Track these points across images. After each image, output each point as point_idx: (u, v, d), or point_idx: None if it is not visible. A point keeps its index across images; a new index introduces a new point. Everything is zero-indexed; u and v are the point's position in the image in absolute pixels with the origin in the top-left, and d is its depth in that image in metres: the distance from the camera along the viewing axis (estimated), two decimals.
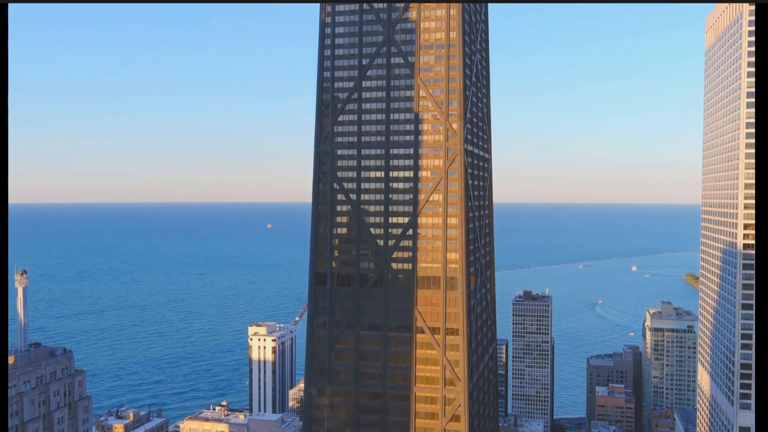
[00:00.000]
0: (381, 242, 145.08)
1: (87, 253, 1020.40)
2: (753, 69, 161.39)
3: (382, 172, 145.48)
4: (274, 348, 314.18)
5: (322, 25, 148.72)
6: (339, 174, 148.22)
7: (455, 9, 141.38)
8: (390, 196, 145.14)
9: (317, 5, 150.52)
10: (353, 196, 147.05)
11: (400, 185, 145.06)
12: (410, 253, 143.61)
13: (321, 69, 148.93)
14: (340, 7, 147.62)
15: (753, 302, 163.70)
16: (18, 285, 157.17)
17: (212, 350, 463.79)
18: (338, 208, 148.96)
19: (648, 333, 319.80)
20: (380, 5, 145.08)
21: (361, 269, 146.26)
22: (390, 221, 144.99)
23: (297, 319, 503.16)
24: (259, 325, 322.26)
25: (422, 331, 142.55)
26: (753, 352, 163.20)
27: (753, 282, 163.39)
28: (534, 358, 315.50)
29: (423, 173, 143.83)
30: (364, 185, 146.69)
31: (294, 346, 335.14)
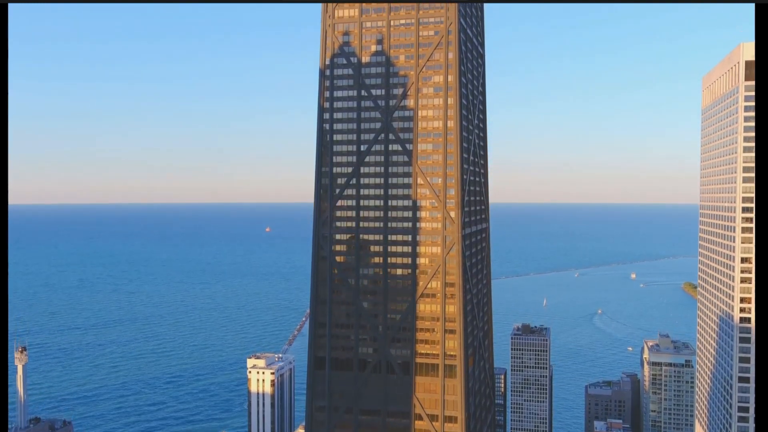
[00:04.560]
0: (380, 328, 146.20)
1: (87, 260, 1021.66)
2: (752, 144, 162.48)
3: (381, 258, 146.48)
4: (272, 381, 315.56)
5: (321, 110, 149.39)
6: (338, 258, 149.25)
7: (453, 98, 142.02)
8: (388, 281, 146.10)
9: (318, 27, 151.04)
10: (352, 281, 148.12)
11: (399, 271, 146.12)
12: (409, 340, 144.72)
13: (320, 153, 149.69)
14: (339, 93, 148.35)
15: (750, 375, 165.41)
16: (18, 362, 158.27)
17: (213, 368, 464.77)
18: (337, 291, 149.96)
19: (646, 366, 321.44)
20: (378, 92, 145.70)
21: (360, 354, 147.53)
22: (389, 307, 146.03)
23: (290, 340, 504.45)
24: (258, 357, 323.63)
25: (421, 418, 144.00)
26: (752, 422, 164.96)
27: (749, 355, 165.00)
28: (532, 393, 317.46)
29: (421, 260, 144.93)
30: (363, 270, 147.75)
31: (293, 377, 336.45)
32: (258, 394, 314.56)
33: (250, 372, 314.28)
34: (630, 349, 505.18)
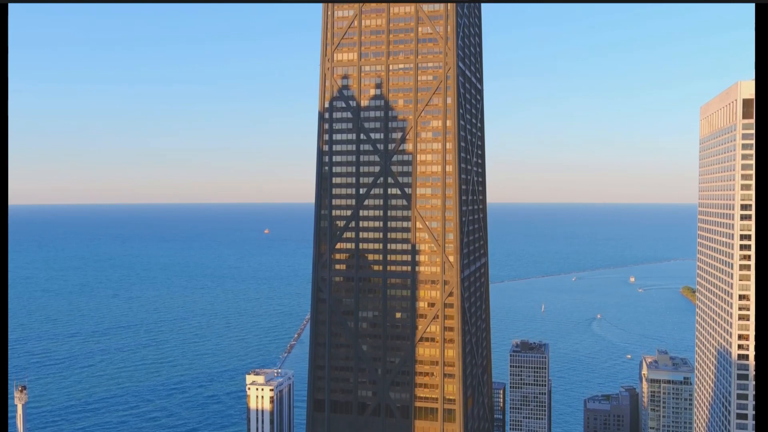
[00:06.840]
0: (379, 371, 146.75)
1: (87, 263, 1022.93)
2: (749, 182, 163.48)
3: (380, 301, 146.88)
4: (272, 398, 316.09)
5: (320, 153, 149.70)
6: (336, 301, 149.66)
7: (451, 142, 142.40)
8: (387, 325, 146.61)
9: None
10: (351, 324, 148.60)
11: (398, 315, 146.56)
12: (408, 383, 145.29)
13: (319, 196, 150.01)
14: (338, 136, 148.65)
15: (748, 412, 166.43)
16: (17, 402, 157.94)
17: (213, 378, 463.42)
18: (336, 334, 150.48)
19: (645, 382, 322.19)
20: (377, 135, 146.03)
21: (359, 397, 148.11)
22: (388, 350, 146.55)
23: (288, 348, 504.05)
24: (257, 373, 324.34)
25: None
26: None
27: (747, 392, 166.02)
28: (531, 410, 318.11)
29: (420, 304, 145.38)
30: (362, 313, 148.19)
31: (292, 392, 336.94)
32: (257, 410, 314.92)
33: (249, 388, 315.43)
34: (629, 357, 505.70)
